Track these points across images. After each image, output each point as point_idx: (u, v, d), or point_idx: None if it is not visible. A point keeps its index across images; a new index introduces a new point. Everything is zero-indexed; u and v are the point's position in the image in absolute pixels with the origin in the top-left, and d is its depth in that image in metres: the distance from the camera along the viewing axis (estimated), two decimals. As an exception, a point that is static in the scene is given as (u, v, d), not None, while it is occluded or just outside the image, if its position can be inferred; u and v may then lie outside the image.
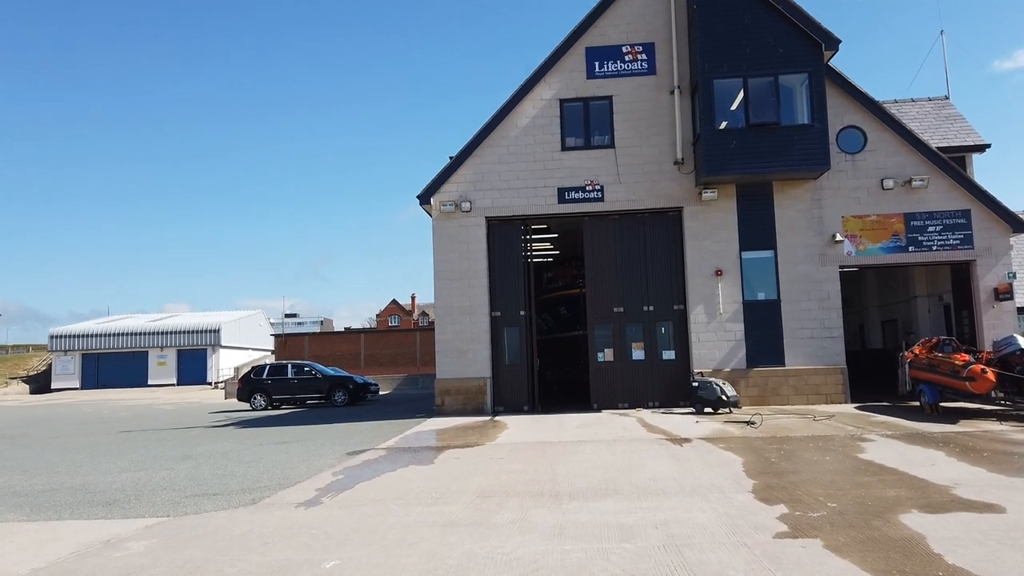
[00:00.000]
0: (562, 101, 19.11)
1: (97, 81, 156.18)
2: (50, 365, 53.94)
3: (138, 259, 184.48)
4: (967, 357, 14.70)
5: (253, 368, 27.59)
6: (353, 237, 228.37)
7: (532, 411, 18.44)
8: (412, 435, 14.44)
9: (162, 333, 52.73)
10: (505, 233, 19.27)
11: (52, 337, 53.28)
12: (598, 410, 18.12)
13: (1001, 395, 14.38)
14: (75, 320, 67.94)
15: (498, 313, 19.01)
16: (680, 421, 15.14)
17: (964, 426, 12.85)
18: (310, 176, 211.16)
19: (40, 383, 53.46)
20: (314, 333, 56.32)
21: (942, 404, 15.04)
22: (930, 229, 18.14)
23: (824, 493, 7.58)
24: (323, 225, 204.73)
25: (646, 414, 16.84)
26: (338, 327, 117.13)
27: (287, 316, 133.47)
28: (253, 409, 25.57)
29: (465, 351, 18.59)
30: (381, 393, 34.14)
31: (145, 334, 52.75)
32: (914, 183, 18.01)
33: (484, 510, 7.29)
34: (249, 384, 26.18)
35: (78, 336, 52.99)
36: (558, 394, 23.16)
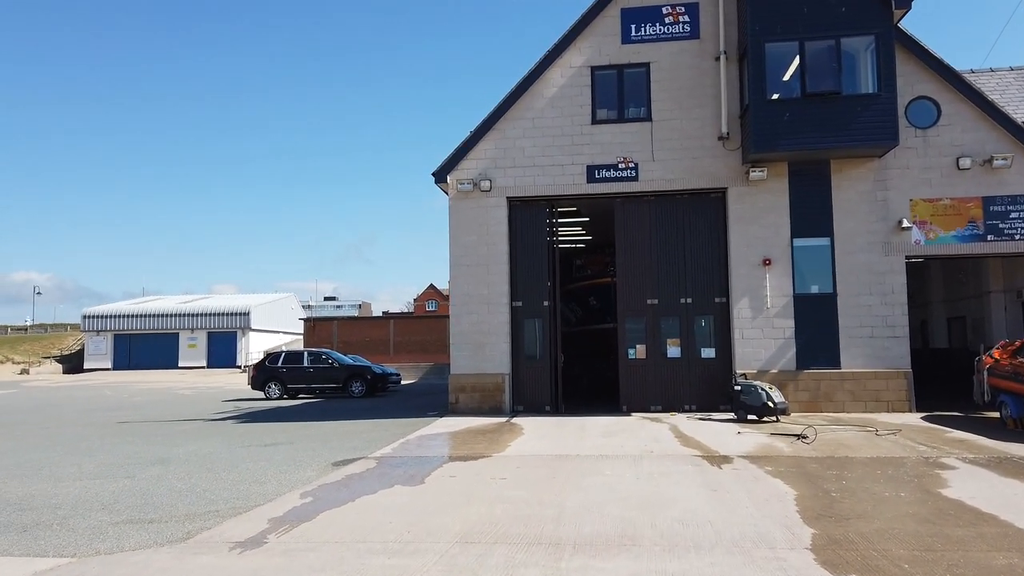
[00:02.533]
0: (593, 69, 17.20)
1: (147, 50, 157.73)
2: (83, 345, 54.01)
3: (189, 238, 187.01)
4: (1062, 365, 12.54)
5: (268, 355, 26.42)
6: (397, 218, 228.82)
7: (554, 412, 16.75)
8: (415, 440, 12.89)
9: (193, 315, 52.27)
10: (528, 215, 17.52)
11: (85, 317, 53.26)
12: (627, 413, 16.34)
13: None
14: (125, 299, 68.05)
15: (519, 303, 17.31)
16: (720, 431, 13.29)
17: (1062, 449, 10.76)
18: (353, 153, 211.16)
19: (73, 363, 53.58)
20: (344, 318, 55.29)
21: (1029, 419, 12.92)
22: (1013, 215, 15.84)
23: (909, 556, 5.75)
24: (368, 206, 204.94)
25: (681, 420, 15.01)
26: (377, 311, 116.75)
27: (326, 299, 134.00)
28: (267, 398, 24.40)
29: (483, 344, 16.94)
30: (406, 383, 32.85)
31: (176, 316, 52.36)
32: (995, 162, 15.71)
33: (457, 569, 5.64)
34: (264, 372, 25.00)
35: (110, 317, 52.85)
36: (587, 391, 21.43)
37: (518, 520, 7.08)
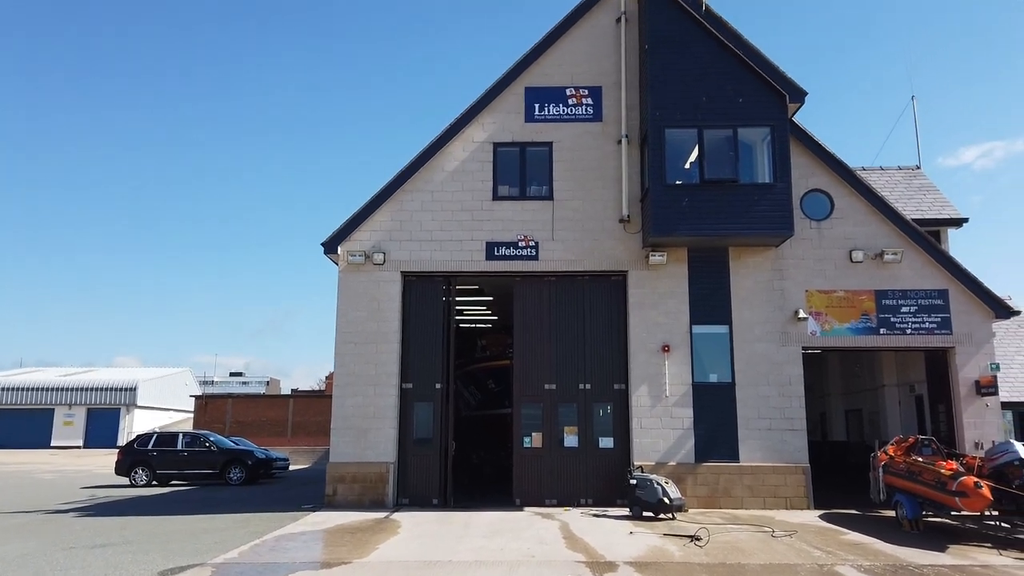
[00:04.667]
0: (496, 145, 16.82)
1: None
2: (-56, 420, 48.85)
3: (92, 306, 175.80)
4: (954, 465, 12.24)
5: (138, 437, 23.96)
6: (320, 291, 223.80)
7: (442, 506, 15.42)
8: (270, 541, 11.34)
9: (72, 390, 48.21)
10: (424, 291, 16.62)
11: (-51, 389, 48.40)
12: (520, 508, 15.18)
13: (995, 513, 11.91)
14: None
15: (410, 385, 16.16)
16: (612, 530, 12.31)
17: (956, 555, 10.27)
18: (271, 225, 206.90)
19: (-69, 440, 48.22)
20: (239, 395, 51.98)
21: (925, 519, 12.52)
22: (903, 310, 15.98)
23: None
24: (288, 279, 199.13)
25: (574, 516, 13.97)
26: (287, 388, 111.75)
27: (232, 375, 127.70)
28: (132, 485, 21.96)
29: (366, 430, 15.60)
30: (296, 468, 30.67)
31: (53, 390, 48.17)
32: (886, 256, 15.93)
33: None
34: (130, 455, 22.60)
35: (-23, 389, 48.20)
36: (487, 480, 20.16)
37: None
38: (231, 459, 22.67)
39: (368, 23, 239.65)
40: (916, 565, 9.56)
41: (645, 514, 13.67)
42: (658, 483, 13.67)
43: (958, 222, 18.54)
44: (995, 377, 15.58)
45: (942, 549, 10.65)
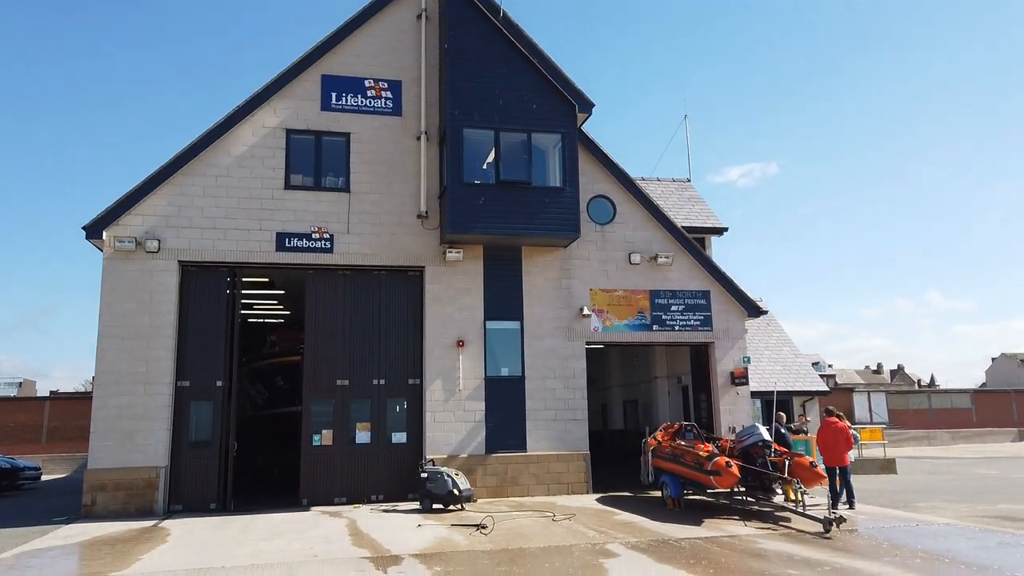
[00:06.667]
0: (289, 132, 16.09)
1: None
2: None
3: None
4: (710, 448, 13.70)
5: None
6: (86, 285, 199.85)
7: (221, 510, 14.46)
8: (8, 560, 9.94)
9: None
10: (206, 283, 15.48)
11: None
12: (307, 508, 14.66)
13: (742, 489, 13.46)
14: None
15: (187, 383, 14.97)
16: (401, 524, 12.28)
17: (710, 527, 11.47)
18: (27, 211, 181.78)
19: None
20: (-16, 399, 45.34)
21: (685, 497, 13.85)
22: (673, 308, 17.57)
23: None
24: (51, 271, 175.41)
25: (363, 513, 13.75)
26: (45, 390, 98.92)
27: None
28: None
29: (133, 432, 14.22)
30: (52, 478, 27.21)
31: None
32: (659, 259, 17.42)
33: None
34: None
35: None
36: (275, 482, 19.21)
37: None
38: (-36, 471, 19.61)
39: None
40: (676, 539, 10.53)
41: (435, 506, 13.79)
42: (448, 475, 13.86)
43: (720, 231, 20.77)
44: (747, 369, 17.61)
45: (698, 523, 11.83)
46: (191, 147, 15.41)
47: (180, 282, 15.10)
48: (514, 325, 16.64)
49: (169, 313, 14.80)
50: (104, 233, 14.62)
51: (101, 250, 14.81)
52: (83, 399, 45.19)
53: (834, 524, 10.95)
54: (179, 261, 15.04)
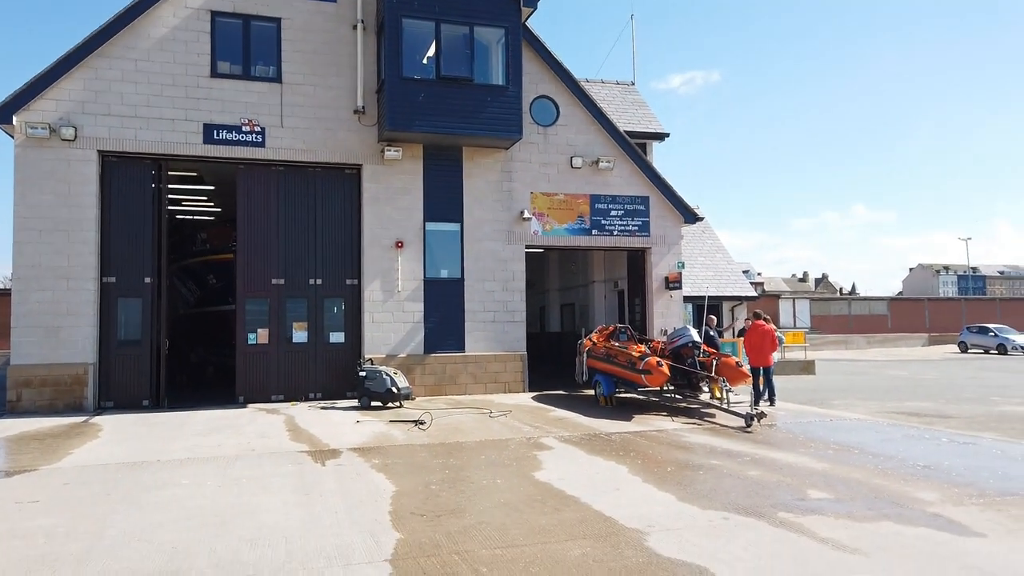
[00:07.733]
0: (214, 14, 15.01)
1: None
2: None
3: None
4: (643, 348, 14.14)
5: None
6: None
7: (154, 407, 14.31)
8: (-70, 456, 9.68)
9: None
10: (129, 175, 14.70)
11: None
12: (244, 404, 14.64)
13: (672, 388, 14.02)
14: None
15: (112, 279, 14.44)
16: (339, 420, 12.41)
17: (639, 423, 11.97)
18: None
19: None
20: None
21: (617, 395, 14.38)
22: (612, 213, 17.66)
23: (490, 556, 5.34)
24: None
25: (301, 409, 13.83)
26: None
27: None
28: None
29: (58, 328, 13.75)
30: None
31: None
32: (601, 164, 17.35)
33: None
34: None
35: None
36: (210, 381, 19.06)
37: (27, 562, 5.23)
38: None
39: None
40: (607, 433, 10.97)
41: (374, 404, 13.96)
42: (387, 374, 13.97)
43: (661, 136, 20.73)
44: (681, 274, 18.03)
45: (628, 419, 12.33)
46: (107, 26, 14.25)
47: (101, 173, 14.30)
48: (454, 227, 16.49)
49: (90, 206, 14.06)
50: (14, 118, 13.59)
51: (12, 136, 13.82)
52: (2, 295, 43.34)
53: (755, 419, 11.57)
54: (99, 151, 14.19)
